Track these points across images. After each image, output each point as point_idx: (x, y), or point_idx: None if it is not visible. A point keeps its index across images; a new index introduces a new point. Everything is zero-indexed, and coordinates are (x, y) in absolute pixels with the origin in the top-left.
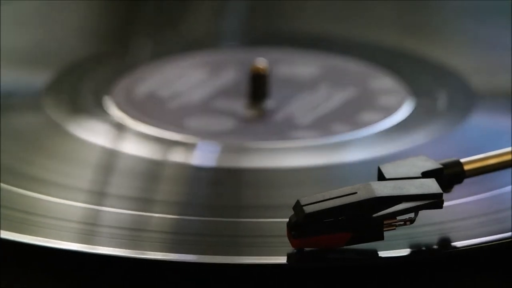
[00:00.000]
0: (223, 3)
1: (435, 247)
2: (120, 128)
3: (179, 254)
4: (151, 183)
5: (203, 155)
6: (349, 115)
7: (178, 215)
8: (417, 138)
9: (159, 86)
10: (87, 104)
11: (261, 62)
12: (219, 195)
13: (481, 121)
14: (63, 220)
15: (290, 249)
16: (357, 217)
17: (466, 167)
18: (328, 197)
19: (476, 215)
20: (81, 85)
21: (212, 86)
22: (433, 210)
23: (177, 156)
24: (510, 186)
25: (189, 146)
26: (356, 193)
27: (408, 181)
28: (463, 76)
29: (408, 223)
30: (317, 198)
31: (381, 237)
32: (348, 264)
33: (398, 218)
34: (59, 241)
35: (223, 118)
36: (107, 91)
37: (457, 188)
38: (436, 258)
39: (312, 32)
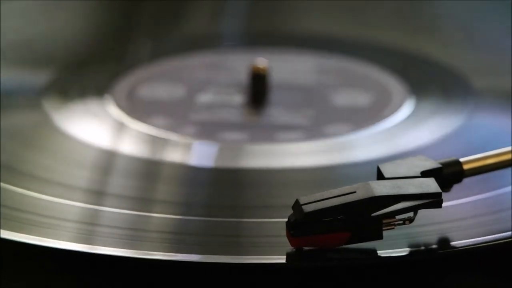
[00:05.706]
0: (223, 3)
1: (434, 246)
2: (120, 127)
3: (179, 254)
4: (151, 183)
5: (203, 155)
6: (350, 114)
7: (178, 215)
8: (417, 138)
9: (159, 86)
10: (87, 103)
11: (261, 62)
12: (218, 195)
13: (481, 121)
14: (63, 220)
15: (289, 248)
16: (356, 216)
17: (465, 167)
18: (327, 196)
19: (475, 215)
20: (81, 84)
21: (211, 86)
22: (432, 209)
23: (177, 156)
24: (510, 186)
25: (189, 146)
26: (355, 192)
27: (407, 181)
28: (463, 76)
29: (407, 222)
30: (316, 197)
31: (380, 237)
32: (347, 263)
33: (397, 217)
34: (58, 241)
35: (221, 118)
36: (107, 91)
37: (456, 188)
38: (436, 258)
39: (312, 32)
